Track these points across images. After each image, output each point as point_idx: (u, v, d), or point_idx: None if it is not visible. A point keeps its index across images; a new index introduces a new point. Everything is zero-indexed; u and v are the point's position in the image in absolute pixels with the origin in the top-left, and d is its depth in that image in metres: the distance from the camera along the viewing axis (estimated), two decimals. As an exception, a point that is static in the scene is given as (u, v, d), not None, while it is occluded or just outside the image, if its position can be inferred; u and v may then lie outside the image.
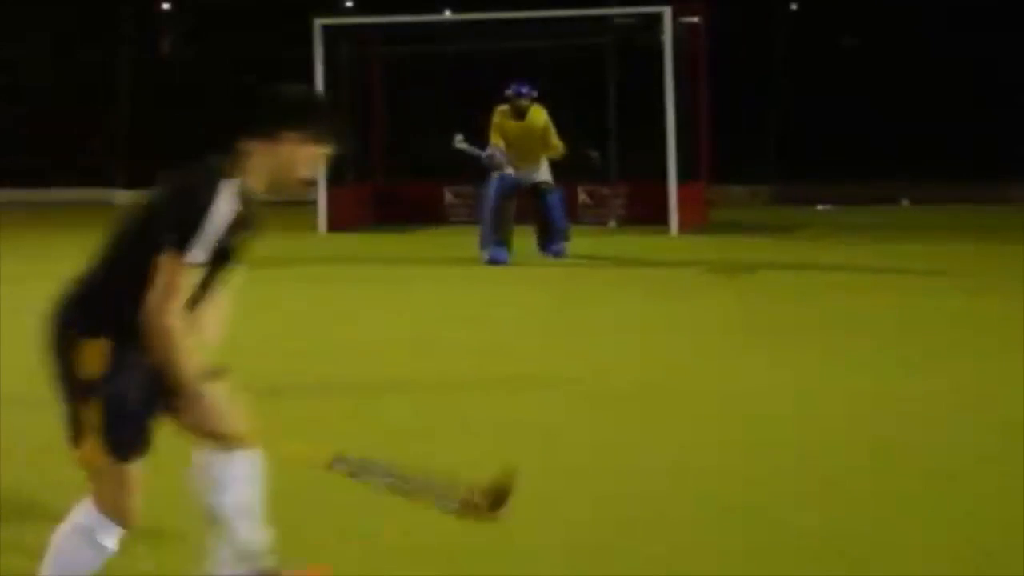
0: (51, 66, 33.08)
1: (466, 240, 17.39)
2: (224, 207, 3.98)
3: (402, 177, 23.53)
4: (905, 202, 25.02)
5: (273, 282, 13.91)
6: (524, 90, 16.50)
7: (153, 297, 3.93)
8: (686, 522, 5.57)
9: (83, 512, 4.09)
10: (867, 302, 12.34)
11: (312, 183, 4.28)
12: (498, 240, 16.33)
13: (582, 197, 21.60)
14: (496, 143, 16.32)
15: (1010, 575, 4.93)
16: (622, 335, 10.73)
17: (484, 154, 16.47)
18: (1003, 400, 7.86)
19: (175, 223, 3.94)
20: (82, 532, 4.08)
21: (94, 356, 3.98)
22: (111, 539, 4.09)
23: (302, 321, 11.75)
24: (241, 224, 4.07)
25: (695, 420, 7.54)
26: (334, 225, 20.67)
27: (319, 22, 21.09)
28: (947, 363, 9.20)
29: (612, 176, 21.76)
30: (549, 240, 16.74)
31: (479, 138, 16.65)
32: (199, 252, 3.94)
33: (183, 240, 3.92)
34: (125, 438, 4.01)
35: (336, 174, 21.02)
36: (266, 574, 4.38)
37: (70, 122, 31.91)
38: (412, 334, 10.87)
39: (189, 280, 3.98)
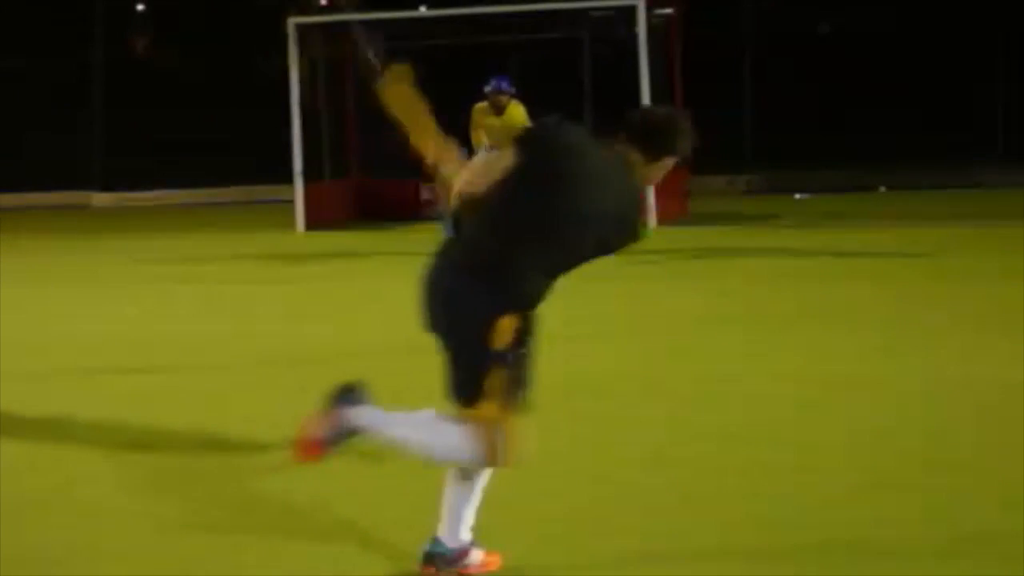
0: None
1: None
2: None
3: (379, 174, 23.34)
4: (882, 189, 25.02)
5: (248, 283, 13.91)
6: (504, 86, 16.48)
7: None
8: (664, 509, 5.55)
9: (467, 436, 4.66)
10: (849, 289, 12.36)
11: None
12: None
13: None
14: (479, 142, 16.30)
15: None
16: (602, 325, 10.74)
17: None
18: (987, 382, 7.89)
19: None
20: (463, 444, 4.67)
21: (505, 331, 4.55)
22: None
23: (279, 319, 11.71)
24: None
25: (682, 408, 7.53)
26: (311, 223, 20.53)
27: (292, 21, 21.01)
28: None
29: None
30: None
31: (459, 138, 16.61)
32: None
33: None
34: (517, 398, 4.70)
35: (313, 171, 20.97)
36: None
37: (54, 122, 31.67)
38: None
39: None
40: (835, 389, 7.89)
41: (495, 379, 4.59)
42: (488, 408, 4.61)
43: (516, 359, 4.64)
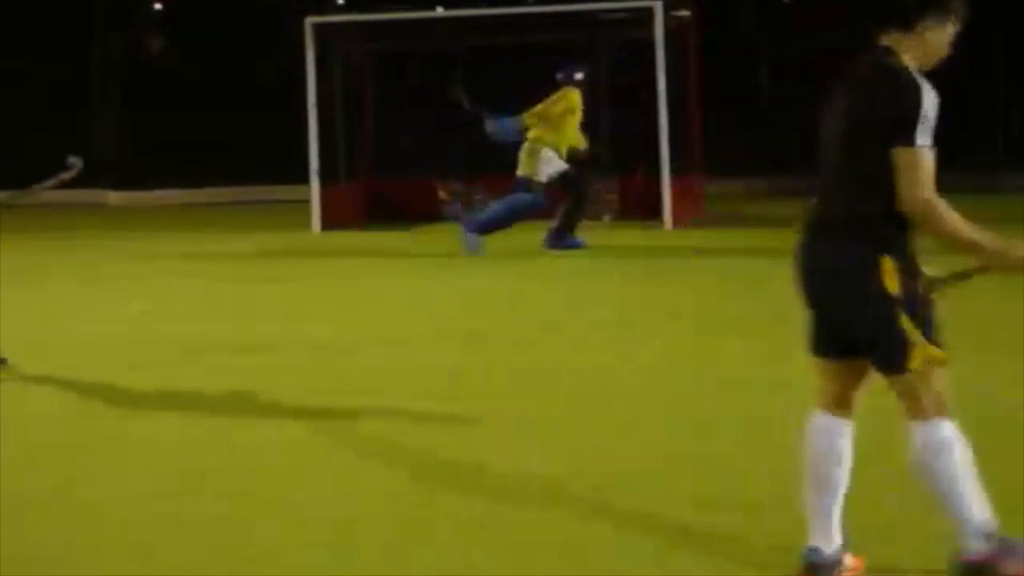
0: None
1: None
2: (930, 91, 4.49)
3: (395, 175, 23.32)
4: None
5: (264, 282, 13.94)
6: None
7: (906, 190, 4.43)
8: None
9: (923, 431, 4.49)
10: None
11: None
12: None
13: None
14: (526, 122, 16.43)
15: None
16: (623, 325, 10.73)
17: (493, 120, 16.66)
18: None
19: (898, 122, 4.42)
20: (939, 445, 4.47)
21: (891, 273, 4.40)
22: (953, 430, 4.49)
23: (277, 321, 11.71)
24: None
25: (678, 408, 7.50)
26: (327, 224, 20.53)
27: (310, 20, 21.02)
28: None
29: (606, 171, 21.69)
30: (572, 231, 16.69)
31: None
32: (926, 137, 4.46)
33: (910, 132, 4.41)
34: (938, 337, 4.49)
35: (328, 172, 20.99)
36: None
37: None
38: (430, 326, 10.86)
39: (929, 164, 4.47)
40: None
41: (909, 325, 4.44)
42: (920, 360, 4.45)
43: (916, 302, 4.46)
